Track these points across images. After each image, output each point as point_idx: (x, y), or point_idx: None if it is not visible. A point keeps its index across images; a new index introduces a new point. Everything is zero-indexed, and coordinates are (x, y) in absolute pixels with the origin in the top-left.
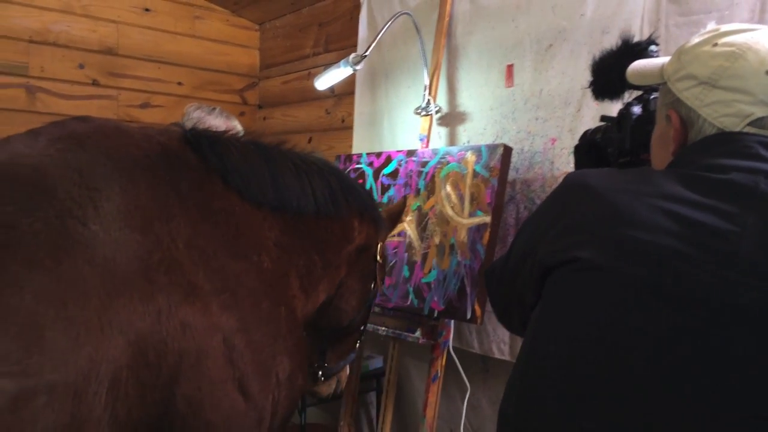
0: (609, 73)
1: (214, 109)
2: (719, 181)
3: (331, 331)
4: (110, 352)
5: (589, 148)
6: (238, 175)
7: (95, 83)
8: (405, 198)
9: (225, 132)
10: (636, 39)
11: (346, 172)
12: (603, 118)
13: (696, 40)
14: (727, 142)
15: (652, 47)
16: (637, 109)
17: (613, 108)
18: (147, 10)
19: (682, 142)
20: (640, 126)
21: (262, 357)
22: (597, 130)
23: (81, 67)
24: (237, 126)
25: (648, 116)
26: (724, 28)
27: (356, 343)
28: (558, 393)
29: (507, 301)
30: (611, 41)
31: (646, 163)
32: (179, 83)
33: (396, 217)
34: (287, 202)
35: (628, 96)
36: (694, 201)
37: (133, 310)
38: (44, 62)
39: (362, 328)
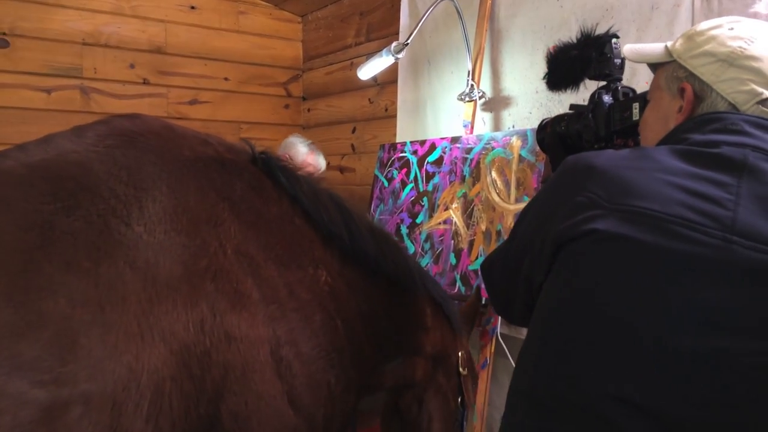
0: (572, 64)
1: (311, 143)
2: (712, 155)
3: None
4: (152, 361)
5: (561, 140)
6: (308, 200)
7: (146, 82)
8: (478, 290)
9: (299, 168)
10: (597, 32)
11: (391, 161)
12: (572, 106)
13: (707, 25)
14: (715, 120)
15: (615, 40)
16: (607, 98)
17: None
18: (193, 8)
19: (689, 115)
20: (612, 113)
21: (313, 369)
22: (559, 120)
23: (132, 66)
24: (321, 163)
25: (619, 105)
26: (730, 17)
27: None
28: (589, 361)
29: (511, 288)
30: (661, 18)
31: (620, 148)
32: (226, 79)
33: (471, 316)
34: (363, 252)
35: (583, 88)
36: (693, 173)
37: (177, 318)
38: (97, 63)
39: None
